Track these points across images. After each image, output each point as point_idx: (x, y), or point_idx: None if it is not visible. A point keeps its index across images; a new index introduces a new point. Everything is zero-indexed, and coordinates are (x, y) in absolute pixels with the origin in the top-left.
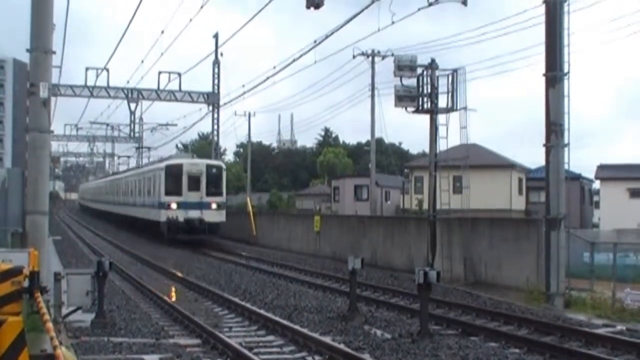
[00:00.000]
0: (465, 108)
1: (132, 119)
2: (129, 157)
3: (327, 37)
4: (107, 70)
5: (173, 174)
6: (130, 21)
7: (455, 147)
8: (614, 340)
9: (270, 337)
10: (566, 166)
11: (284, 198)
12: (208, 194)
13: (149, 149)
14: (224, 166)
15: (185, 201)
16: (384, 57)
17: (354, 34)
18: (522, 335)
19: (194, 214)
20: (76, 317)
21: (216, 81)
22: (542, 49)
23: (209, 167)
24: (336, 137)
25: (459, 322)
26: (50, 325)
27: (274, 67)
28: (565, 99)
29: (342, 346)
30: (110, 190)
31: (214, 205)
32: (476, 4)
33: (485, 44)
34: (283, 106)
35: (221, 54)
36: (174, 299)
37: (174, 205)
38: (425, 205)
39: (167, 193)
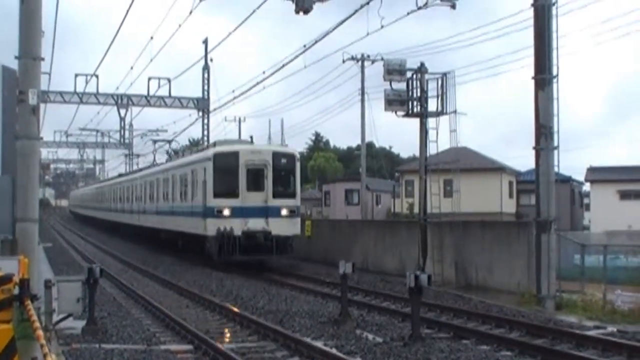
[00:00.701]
0: (455, 111)
1: (122, 125)
2: (130, 157)
3: (316, 41)
4: (97, 77)
5: (225, 167)
6: (120, 27)
7: (445, 150)
8: (605, 342)
9: (262, 343)
10: (556, 169)
11: None
12: (276, 194)
13: (169, 142)
14: (297, 155)
15: (244, 206)
16: (373, 62)
17: (344, 38)
18: (514, 338)
19: (256, 224)
20: (67, 325)
21: (206, 87)
22: (532, 51)
23: (276, 155)
24: (327, 142)
25: (451, 326)
26: (40, 332)
27: (264, 72)
28: (555, 102)
29: (334, 350)
30: (116, 194)
31: (284, 211)
32: (466, 7)
33: (475, 47)
34: (273, 111)
35: (211, 60)
36: (228, 341)
37: (226, 212)
38: (416, 209)
39: (217, 194)
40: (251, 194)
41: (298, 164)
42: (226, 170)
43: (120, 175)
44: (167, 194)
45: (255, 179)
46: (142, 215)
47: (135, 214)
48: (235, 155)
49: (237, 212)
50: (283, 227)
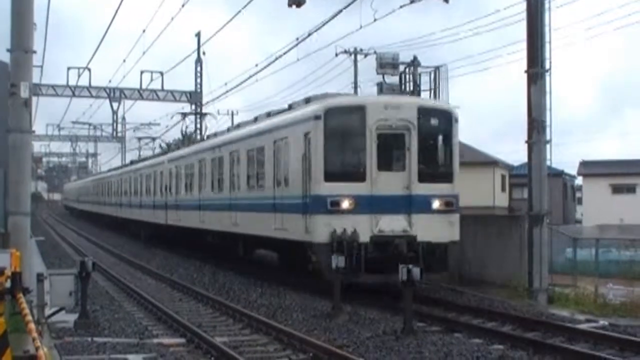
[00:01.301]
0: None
1: (115, 118)
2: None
3: (309, 34)
4: (89, 70)
5: (343, 131)
6: (112, 20)
7: None
8: (597, 335)
9: (255, 336)
10: (548, 162)
11: None
12: (423, 176)
13: (201, 115)
14: (455, 113)
15: (374, 194)
16: (366, 55)
17: (337, 31)
18: (506, 332)
19: (393, 223)
20: (59, 318)
21: (199, 80)
22: (525, 45)
23: (425, 113)
24: None
25: (443, 319)
26: (32, 326)
27: (256, 65)
28: (547, 96)
29: (326, 344)
30: (128, 185)
31: (436, 203)
32: (459, 1)
33: (468, 40)
34: (266, 104)
35: (204, 53)
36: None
37: (346, 204)
38: None
39: (331, 176)
40: (385, 175)
41: (457, 127)
42: (345, 136)
43: (132, 162)
44: (219, 181)
45: (391, 152)
46: (173, 212)
47: (159, 210)
48: (359, 111)
49: (363, 205)
50: (435, 228)
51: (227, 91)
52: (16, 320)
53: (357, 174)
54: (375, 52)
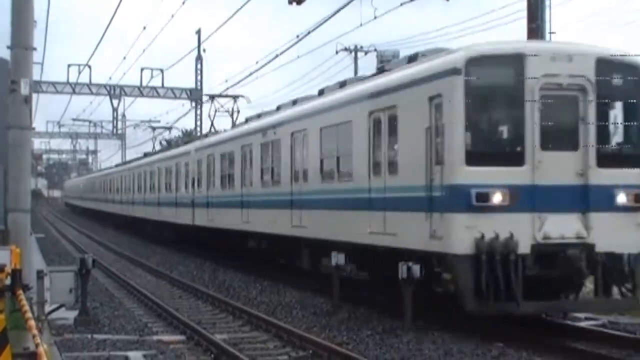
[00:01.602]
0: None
1: (115, 115)
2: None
3: (309, 32)
4: (89, 67)
5: (492, 91)
6: (112, 17)
7: None
8: (596, 333)
9: (255, 333)
10: None
11: None
12: (603, 159)
13: (233, 97)
14: None
15: (537, 184)
16: (366, 53)
17: (337, 29)
18: (505, 329)
19: (562, 226)
20: (59, 315)
21: (199, 77)
22: None
23: (604, 66)
24: None
25: (442, 317)
26: (32, 323)
27: (257, 62)
28: None
29: (326, 341)
30: (142, 181)
31: (622, 197)
32: None
33: (469, 38)
34: (266, 102)
35: (204, 50)
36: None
37: (498, 198)
38: None
39: (474, 157)
40: (550, 156)
41: None
42: (495, 99)
43: (145, 155)
44: (273, 171)
45: (560, 122)
46: (202, 211)
47: (183, 209)
48: (516, 63)
49: (522, 200)
50: (619, 233)
51: (227, 88)
52: (16, 317)
53: (512, 155)
54: (375, 50)
